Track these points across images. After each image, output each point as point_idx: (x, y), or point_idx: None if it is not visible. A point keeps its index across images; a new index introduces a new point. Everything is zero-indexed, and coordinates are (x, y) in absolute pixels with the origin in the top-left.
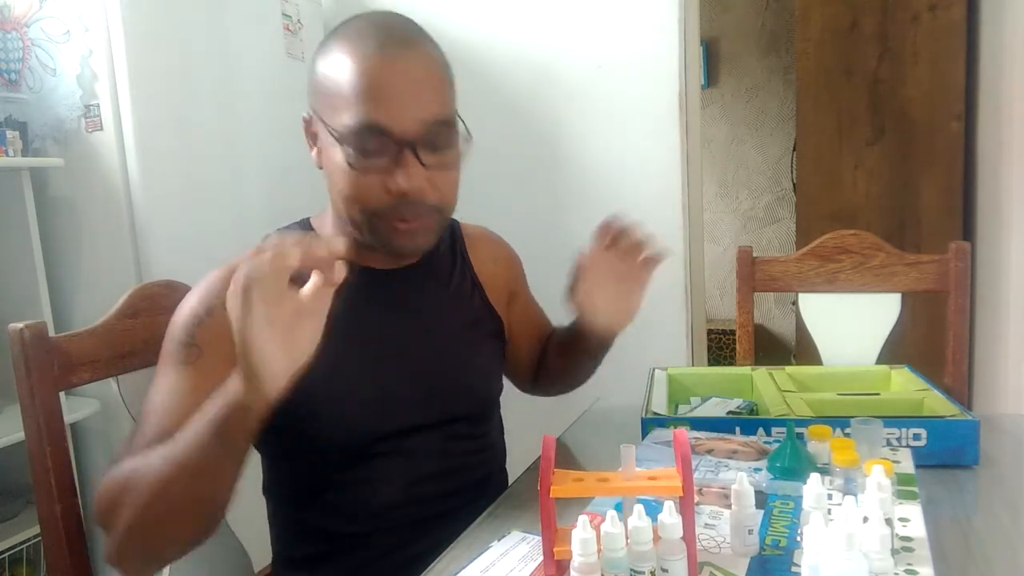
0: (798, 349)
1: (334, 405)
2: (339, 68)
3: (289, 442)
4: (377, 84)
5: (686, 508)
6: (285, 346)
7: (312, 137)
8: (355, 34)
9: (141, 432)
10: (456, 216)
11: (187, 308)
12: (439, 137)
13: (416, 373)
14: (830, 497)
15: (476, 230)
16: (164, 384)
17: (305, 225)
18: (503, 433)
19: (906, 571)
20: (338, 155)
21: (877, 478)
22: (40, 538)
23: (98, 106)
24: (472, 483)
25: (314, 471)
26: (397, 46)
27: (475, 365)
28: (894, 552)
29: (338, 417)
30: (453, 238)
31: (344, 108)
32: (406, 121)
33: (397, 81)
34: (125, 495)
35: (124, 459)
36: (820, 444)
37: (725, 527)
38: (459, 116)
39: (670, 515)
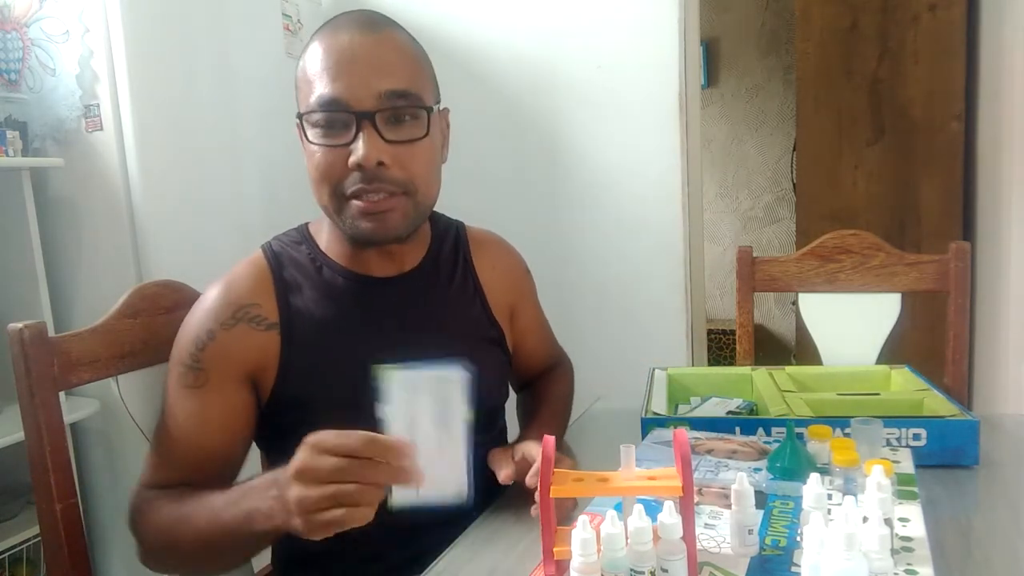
0: (798, 349)
1: (332, 409)
2: (305, 57)
3: (290, 443)
4: (334, 60)
5: (686, 508)
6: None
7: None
8: (323, 27)
9: (161, 455)
10: (459, 217)
11: (190, 331)
12: (401, 111)
13: None
14: (830, 497)
15: (482, 235)
16: (176, 408)
17: (303, 231)
18: (506, 438)
19: (906, 571)
20: (306, 139)
21: (877, 478)
22: (40, 538)
23: (98, 106)
24: (473, 487)
25: None
26: (357, 27)
27: (472, 372)
28: (894, 552)
29: (336, 422)
30: (457, 241)
31: (308, 91)
32: (361, 91)
33: (354, 56)
34: (162, 541)
35: (152, 485)
36: (820, 444)
37: (725, 527)
38: (434, 99)
39: (670, 515)
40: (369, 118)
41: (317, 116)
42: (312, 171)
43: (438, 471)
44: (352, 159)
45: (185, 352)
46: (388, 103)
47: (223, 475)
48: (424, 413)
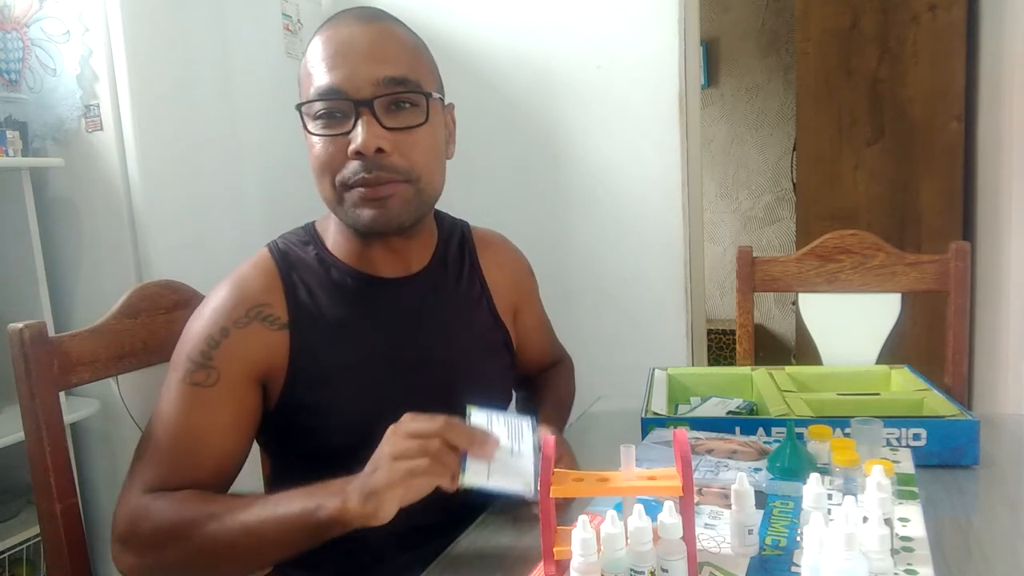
0: (798, 349)
1: (339, 411)
2: (307, 54)
3: (294, 444)
4: (332, 51)
5: (686, 508)
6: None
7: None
8: (324, 23)
9: (163, 456)
10: (458, 216)
11: (199, 330)
12: (400, 98)
13: (421, 382)
14: (830, 497)
15: (487, 235)
16: (179, 403)
17: (309, 230)
18: None
19: (906, 571)
20: (307, 131)
21: (877, 478)
22: (40, 538)
23: (98, 106)
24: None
25: (317, 473)
26: (355, 20)
27: (480, 375)
28: (894, 552)
29: (342, 424)
30: (463, 242)
31: (308, 83)
32: (358, 80)
33: (352, 46)
34: (175, 541)
35: (149, 488)
36: (820, 444)
37: (725, 527)
38: (435, 90)
39: (670, 515)
40: (367, 105)
41: (317, 106)
42: (313, 162)
43: (509, 464)
44: (351, 147)
45: (195, 350)
46: (386, 90)
47: (228, 476)
48: (499, 427)
